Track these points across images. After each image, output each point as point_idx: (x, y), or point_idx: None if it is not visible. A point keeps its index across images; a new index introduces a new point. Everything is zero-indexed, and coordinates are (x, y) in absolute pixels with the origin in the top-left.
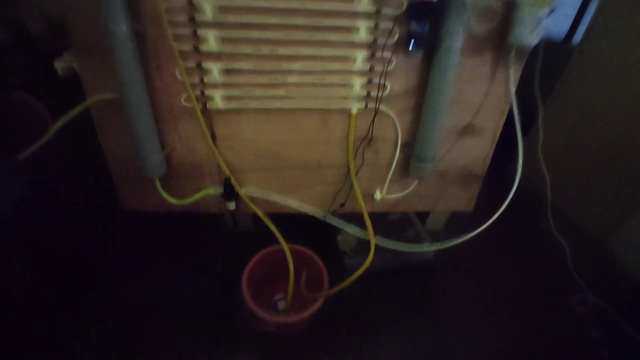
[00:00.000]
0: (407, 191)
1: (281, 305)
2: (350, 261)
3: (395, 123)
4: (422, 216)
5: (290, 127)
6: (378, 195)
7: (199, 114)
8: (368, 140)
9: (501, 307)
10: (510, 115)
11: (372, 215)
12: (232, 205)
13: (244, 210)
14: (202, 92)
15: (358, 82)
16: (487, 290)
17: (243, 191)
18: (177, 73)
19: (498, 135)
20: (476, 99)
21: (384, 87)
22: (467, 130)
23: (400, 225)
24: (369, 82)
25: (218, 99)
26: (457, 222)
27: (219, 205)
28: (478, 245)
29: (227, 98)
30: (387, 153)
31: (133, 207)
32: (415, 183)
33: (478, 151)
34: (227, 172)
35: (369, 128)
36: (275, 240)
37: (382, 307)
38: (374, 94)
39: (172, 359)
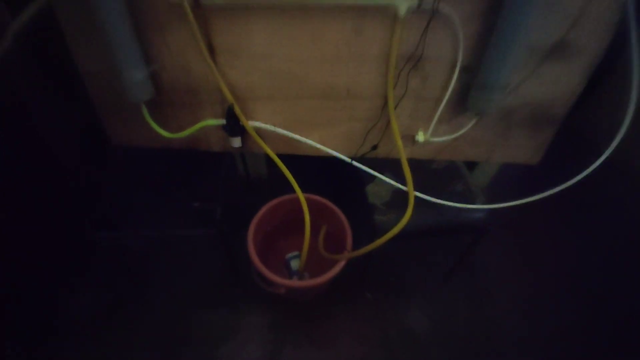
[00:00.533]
0: (461, 132)
1: (294, 264)
2: (382, 217)
3: (457, 34)
4: (468, 166)
5: (312, 37)
6: (421, 136)
7: (190, 15)
8: (416, 59)
9: (548, 285)
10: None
11: (412, 163)
12: (237, 142)
13: (252, 150)
14: None
15: None
16: (536, 265)
17: (250, 124)
18: None
19: (597, 60)
20: (575, 3)
21: None
22: (556, 49)
23: (446, 177)
24: None
25: None
26: (506, 175)
27: (223, 142)
28: (538, 210)
29: None
30: (440, 79)
31: (123, 142)
32: (472, 122)
33: (565, 82)
34: (230, 98)
35: (420, 40)
36: (291, 189)
37: (414, 271)
38: None
39: (171, 318)
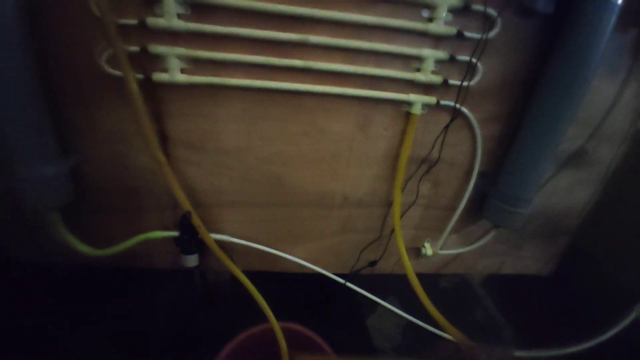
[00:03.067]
0: (477, 245)
1: None
2: None
3: (476, 136)
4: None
5: (305, 130)
6: (429, 249)
7: (136, 94)
8: (430, 163)
9: None
10: None
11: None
12: (192, 261)
13: (213, 268)
14: (144, 49)
15: (432, 58)
16: None
17: (214, 238)
18: (91, 3)
19: (611, 171)
20: (597, 112)
21: (474, 70)
22: (574, 158)
23: (459, 300)
24: (452, 59)
25: (175, 65)
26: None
27: (172, 257)
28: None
29: (194, 63)
30: (454, 187)
31: (25, 258)
32: (490, 234)
33: (580, 192)
34: (187, 205)
35: (436, 140)
36: (260, 311)
37: None
38: (452, 81)
39: None
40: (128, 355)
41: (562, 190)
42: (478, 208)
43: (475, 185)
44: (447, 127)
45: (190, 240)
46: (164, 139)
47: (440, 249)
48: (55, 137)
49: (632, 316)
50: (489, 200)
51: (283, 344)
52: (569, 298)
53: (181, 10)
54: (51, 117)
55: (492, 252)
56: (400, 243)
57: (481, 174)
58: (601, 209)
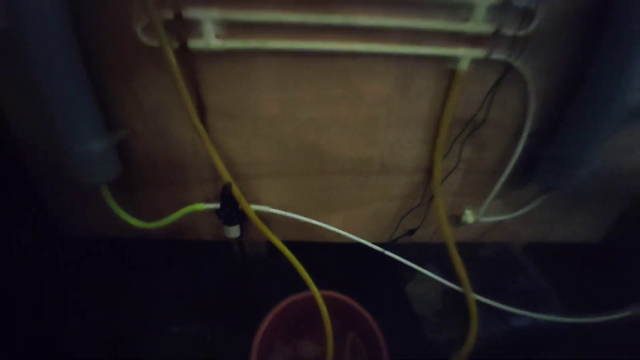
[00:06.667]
0: (523, 211)
1: None
2: (437, 335)
3: (528, 93)
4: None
5: (343, 94)
6: (470, 217)
7: (172, 61)
8: (475, 124)
9: None
10: None
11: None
12: (234, 232)
13: (253, 238)
14: (178, 14)
15: (485, 3)
16: None
17: (253, 209)
18: None
19: None
20: None
21: (532, 16)
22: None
23: (502, 268)
24: (506, 3)
25: (209, 29)
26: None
27: (216, 229)
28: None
29: (228, 28)
30: (501, 149)
31: (77, 232)
32: (540, 199)
33: None
34: (227, 176)
35: (484, 100)
36: (297, 279)
37: None
38: (506, 31)
39: None
40: (180, 319)
41: (623, 148)
42: (526, 171)
43: (525, 147)
44: (497, 82)
45: (231, 211)
46: (202, 110)
47: (483, 216)
48: (101, 113)
49: None
50: (541, 162)
51: (324, 310)
52: (619, 265)
53: None
54: (95, 94)
55: (540, 219)
56: (440, 209)
57: (532, 134)
58: None
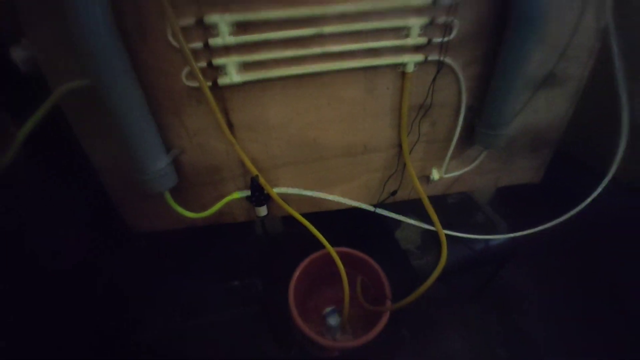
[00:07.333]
0: (472, 166)
1: (333, 320)
2: (420, 261)
3: (459, 80)
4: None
5: (329, 101)
6: (436, 174)
7: (209, 95)
8: (426, 108)
9: (576, 303)
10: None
11: (430, 201)
12: (263, 211)
13: (276, 214)
14: (210, 63)
15: (417, 25)
16: (562, 283)
17: (275, 191)
18: (169, 35)
19: (583, 86)
20: (562, 37)
21: (451, 28)
22: (547, 80)
23: (464, 210)
24: (431, 22)
25: (232, 70)
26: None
27: (247, 212)
28: (556, 231)
29: (245, 67)
30: (447, 122)
31: (143, 228)
32: (482, 156)
33: (557, 108)
34: (254, 170)
35: (429, 89)
36: (312, 243)
37: (444, 300)
38: (436, 40)
39: None
40: (227, 276)
41: (541, 108)
42: (469, 136)
43: (464, 119)
44: (435, 77)
45: (260, 195)
46: (230, 126)
47: (445, 173)
48: (161, 140)
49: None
50: (477, 128)
51: (339, 261)
52: (553, 194)
53: (230, 29)
54: (156, 125)
55: (488, 170)
56: (412, 174)
57: (468, 109)
58: (577, 118)
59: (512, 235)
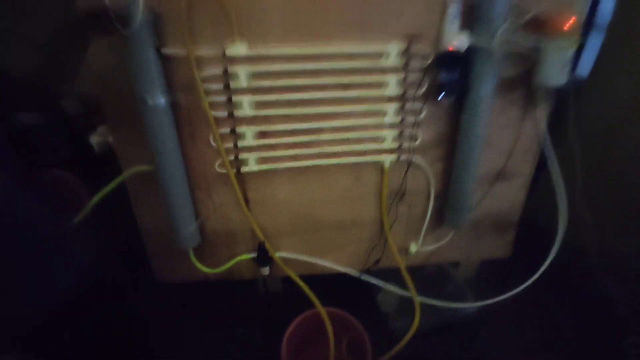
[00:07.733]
0: (443, 242)
1: None
2: (396, 323)
3: (427, 174)
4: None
5: (324, 186)
6: (413, 248)
7: (233, 179)
8: (401, 194)
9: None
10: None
11: (408, 271)
12: (266, 271)
13: (277, 275)
14: (236, 157)
15: (390, 135)
16: (536, 342)
17: (278, 255)
18: (211, 140)
19: (531, 178)
20: (507, 143)
21: (416, 137)
22: (500, 175)
23: (437, 280)
24: (401, 134)
25: (252, 162)
26: (491, 270)
27: (252, 271)
28: (521, 298)
29: (261, 160)
30: (421, 205)
31: (167, 279)
32: (451, 233)
33: (512, 196)
34: (262, 237)
35: (402, 181)
36: (305, 302)
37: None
38: (405, 145)
39: None
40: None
41: (498, 197)
42: (438, 217)
43: (434, 204)
44: (406, 172)
45: (264, 257)
46: (247, 202)
47: (421, 247)
48: (193, 209)
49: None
50: (444, 212)
51: (328, 323)
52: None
53: (254, 135)
54: (192, 198)
55: (459, 246)
56: (392, 246)
57: (437, 196)
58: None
59: (477, 304)
